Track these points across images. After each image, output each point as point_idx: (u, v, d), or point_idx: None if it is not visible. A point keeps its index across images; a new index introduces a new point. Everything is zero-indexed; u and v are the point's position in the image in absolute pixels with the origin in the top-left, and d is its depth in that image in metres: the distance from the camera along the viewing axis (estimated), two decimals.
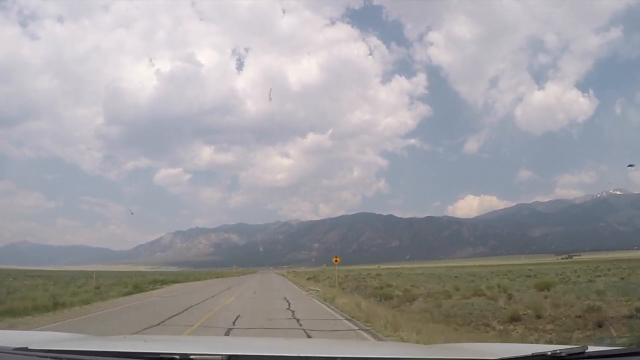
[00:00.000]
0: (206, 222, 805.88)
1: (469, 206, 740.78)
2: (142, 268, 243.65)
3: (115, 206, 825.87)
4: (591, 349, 2.04)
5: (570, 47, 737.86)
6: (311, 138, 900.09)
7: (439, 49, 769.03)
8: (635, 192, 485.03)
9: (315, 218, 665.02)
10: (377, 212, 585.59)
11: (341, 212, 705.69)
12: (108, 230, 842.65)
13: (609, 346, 2.86)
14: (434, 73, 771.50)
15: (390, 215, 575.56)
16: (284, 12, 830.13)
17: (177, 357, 2.02)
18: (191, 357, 1.99)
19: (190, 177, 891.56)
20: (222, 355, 1.98)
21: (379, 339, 8.93)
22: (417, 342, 7.37)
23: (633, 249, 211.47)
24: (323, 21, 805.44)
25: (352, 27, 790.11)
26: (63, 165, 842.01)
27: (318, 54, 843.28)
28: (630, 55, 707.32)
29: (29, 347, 2.12)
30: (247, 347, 2.91)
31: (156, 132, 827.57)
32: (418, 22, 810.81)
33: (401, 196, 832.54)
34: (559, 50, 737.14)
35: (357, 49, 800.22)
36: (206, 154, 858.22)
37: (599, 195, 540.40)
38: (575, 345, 2.18)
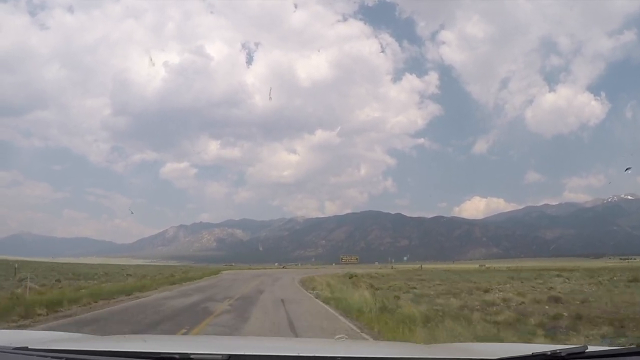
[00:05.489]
0: (212, 217, 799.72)
1: (475, 208, 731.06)
2: (140, 262, 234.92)
3: (122, 199, 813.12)
4: (591, 348, 2.04)
5: (583, 49, 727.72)
6: (319, 134, 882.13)
7: (451, 48, 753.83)
8: None
9: (321, 215, 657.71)
10: (384, 211, 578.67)
11: (347, 210, 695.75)
12: (114, 223, 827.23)
13: (609, 346, 2.70)
14: (446, 72, 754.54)
15: (399, 214, 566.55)
16: (295, 7, 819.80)
17: (177, 356, 2.01)
18: (191, 356, 1.99)
19: (196, 171, 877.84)
20: (222, 354, 1.96)
21: None
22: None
23: None
24: (335, 17, 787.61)
25: (365, 23, 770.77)
26: (70, 156, 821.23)
27: (329, 49, 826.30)
28: None
29: (29, 347, 2.10)
30: (248, 346, 2.87)
31: (163, 124, 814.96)
32: (431, 20, 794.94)
33: (408, 195, 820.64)
34: (571, 53, 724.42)
35: (369, 45, 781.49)
36: (213, 148, 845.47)
37: (609, 200, 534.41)
38: (575, 344, 2.06)
